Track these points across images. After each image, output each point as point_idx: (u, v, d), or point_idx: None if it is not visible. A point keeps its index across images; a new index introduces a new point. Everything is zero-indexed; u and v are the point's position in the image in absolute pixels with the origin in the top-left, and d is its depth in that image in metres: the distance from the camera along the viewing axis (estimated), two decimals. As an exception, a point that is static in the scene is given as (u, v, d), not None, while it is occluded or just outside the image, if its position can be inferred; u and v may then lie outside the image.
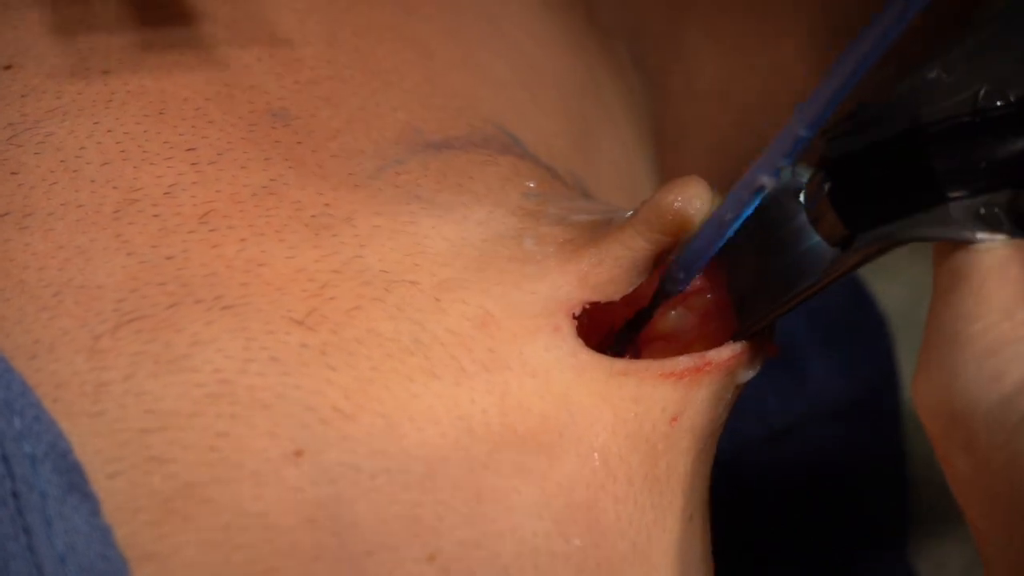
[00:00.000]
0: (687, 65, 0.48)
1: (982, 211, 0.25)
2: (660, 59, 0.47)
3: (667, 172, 0.47)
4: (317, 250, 0.28)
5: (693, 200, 0.29)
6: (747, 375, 0.30)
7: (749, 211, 0.28)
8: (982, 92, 0.25)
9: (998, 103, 0.25)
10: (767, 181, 0.27)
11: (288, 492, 0.25)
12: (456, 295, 0.28)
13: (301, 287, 0.28)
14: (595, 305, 0.29)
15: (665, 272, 0.30)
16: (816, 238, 0.28)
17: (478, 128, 0.34)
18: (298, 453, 0.25)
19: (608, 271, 0.29)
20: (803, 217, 0.28)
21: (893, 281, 0.62)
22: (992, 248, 0.25)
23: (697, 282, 0.31)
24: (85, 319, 0.26)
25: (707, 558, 0.31)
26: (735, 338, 0.30)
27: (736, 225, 0.28)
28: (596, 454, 0.28)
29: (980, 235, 0.25)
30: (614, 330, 0.32)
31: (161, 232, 0.28)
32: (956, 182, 0.25)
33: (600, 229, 0.30)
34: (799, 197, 0.28)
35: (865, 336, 0.61)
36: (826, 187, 0.27)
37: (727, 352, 0.30)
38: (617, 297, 0.30)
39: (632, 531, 0.28)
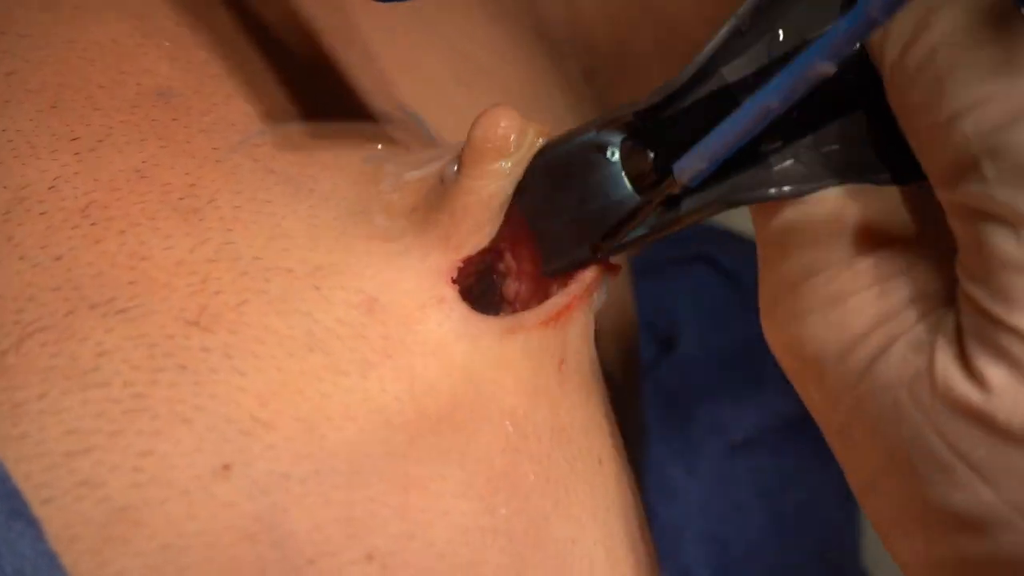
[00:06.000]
0: (635, 80, 0.48)
1: (802, 161, 0.24)
2: (609, 75, 0.47)
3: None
4: (189, 238, 0.27)
5: (500, 122, 0.28)
6: (600, 300, 0.30)
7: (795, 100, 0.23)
8: (780, 38, 0.24)
9: (795, 47, 0.24)
10: (828, 68, 0.21)
11: (222, 508, 0.24)
12: (333, 281, 0.27)
13: (186, 282, 0.26)
14: (469, 260, 0.29)
15: (677, 168, 0.26)
16: (628, 189, 0.28)
17: (364, 104, 0.32)
18: (226, 467, 0.24)
19: (463, 223, 0.28)
20: (613, 169, 0.28)
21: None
22: (823, 198, 0.24)
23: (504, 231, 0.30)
24: None
25: (629, 502, 0.30)
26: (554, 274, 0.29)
27: (772, 117, 0.23)
28: (507, 420, 0.28)
29: (804, 187, 0.24)
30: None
31: (48, 231, 0.26)
32: (769, 135, 0.24)
33: (437, 190, 0.29)
34: (606, 153, 0.28)
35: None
36: (649, 158, 0.27)
37: (583, 283, 0.29)
38: (486, 243, 0.29)
39: (551, 488, 0.28)
